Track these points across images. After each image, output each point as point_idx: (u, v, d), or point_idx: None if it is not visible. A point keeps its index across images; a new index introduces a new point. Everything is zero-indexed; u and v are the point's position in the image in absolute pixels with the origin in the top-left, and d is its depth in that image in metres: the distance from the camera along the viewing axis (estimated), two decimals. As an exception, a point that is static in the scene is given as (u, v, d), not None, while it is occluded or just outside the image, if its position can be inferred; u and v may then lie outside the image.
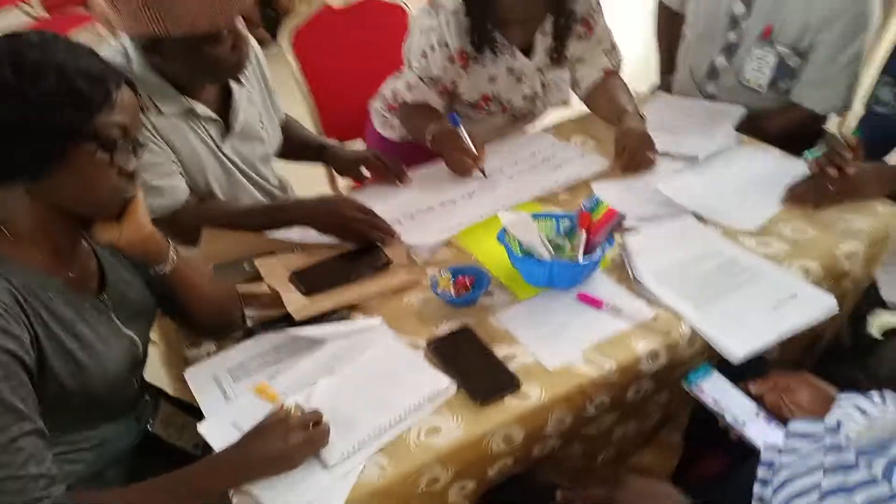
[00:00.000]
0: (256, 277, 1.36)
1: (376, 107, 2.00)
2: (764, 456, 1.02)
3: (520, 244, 1.31)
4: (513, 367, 1.13)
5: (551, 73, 1.81)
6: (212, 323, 1.20)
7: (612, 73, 1.86)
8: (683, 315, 1.20)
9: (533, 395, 1.08)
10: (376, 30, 2.31)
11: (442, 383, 1.10)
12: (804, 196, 1.43)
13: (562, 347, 1.16)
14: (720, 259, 1.32)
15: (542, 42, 1.73)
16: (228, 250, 1.41)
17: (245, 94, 1.51)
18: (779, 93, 1.87)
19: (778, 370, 1.15)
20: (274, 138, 1.64)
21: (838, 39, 1.73)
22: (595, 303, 1.24)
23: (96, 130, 0.91)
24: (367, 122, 2.09)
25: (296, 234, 1.46)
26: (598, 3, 1.76)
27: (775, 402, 1.10)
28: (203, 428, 1.06)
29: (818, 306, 1.19)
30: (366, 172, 1.72)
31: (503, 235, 1.32)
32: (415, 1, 2.35)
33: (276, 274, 1.36)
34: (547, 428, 1.11)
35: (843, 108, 1.82)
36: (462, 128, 1.64)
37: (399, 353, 1.18)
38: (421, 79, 1.75)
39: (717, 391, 1.12)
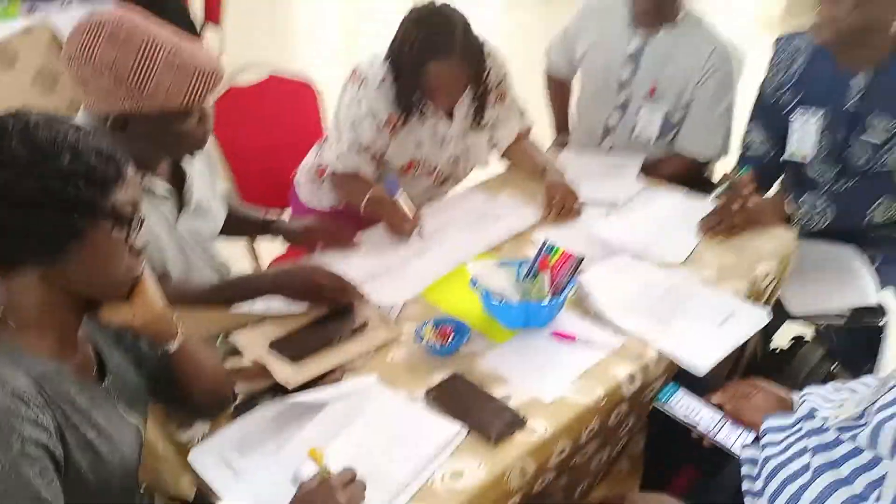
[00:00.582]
0: (232, 352, 1.34)
1: (301, 180, 2.05)
2: (745, 454, 1.16)
3: (487, 291, 1.40)
4: (512, 404, 1.20)
5: (472, 137, 1.96)
6: (208, 401, 1.17)
7: (524, 135, 2.04)
8: (647, 339, 1.34)
9: (539, 428, 1.16)
10: (284, 105, 2.38)
11: (452, 429, 1.15)
12: (715, 227, 1.65)
13: (552, 381, 1.25)
14: (662, 288, 1.48)
15: (464, 108, 1.88)
16: (198, 328, 1.38)
17: (197, 170, 1.51)
18: (665, 144, 2.14)
19: (728, 382, 1.31)
20: (221, 214, 1.63)
21: (712, 96, 2.03)
22: (569, 338, 1.35)
23: (113, 208, 0.90)
24: (292, 196, 2.12)
25: (260, 305, 1.46)
26: (508, 74, 1.95)
27: (735, 408, 1.25)
28: (226, 508, 1.03)
29: (753, 319, 1.39)
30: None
31: (475, 283, 1.42)
32: (323, 78, 2.46)
33: (255, 346, 1.35)
34: (551, 459, 1.18)
35: (722, 154, 2.12)
36: (401, 192, 1.73)
37: (400, 406, 1.22)
38: (351, 148, 1.83)
39: (685, 406, 1.27)
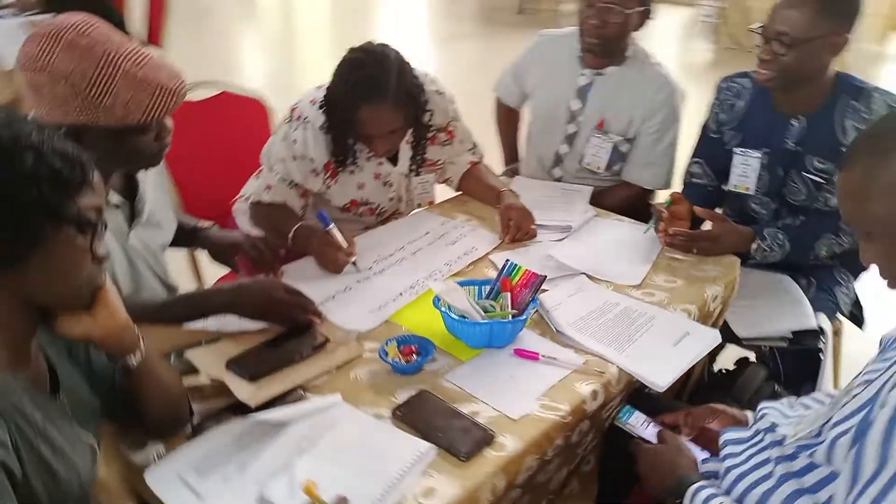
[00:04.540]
0: (187, 371, 1.29)
1: (238, 209, 2.00)
2: (704, 468, 1.19)
3: (450, 310, 1.41)
4: (480, 421, 1.20)
5: (418, 178, 1.96)
6: (166, 420, 1.11)
7: (476, 163, 2.07)
8: (607, 357, 1.37)
9: (508, 444, 1.16)
10: (234, 122, 2.34)
11: (421, 447, 1.13)
12: (680, 245, 1.73)
13: (518, 398, 1.26)
14: (618, 309, 1.52)
15: (407, 150, 1.88)
16: (151, 345, 1.32)
17: (150, 179, 1.46)
18: (613, 173, 2.22)
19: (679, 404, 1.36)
20: (172, 225, 1.58)
21: (658, 129, 2.13)
22: (532, 355, 1.37)
23: (77, 213, 0.86)
24: (233, 223, 2.07)
25: (213, 323, 1.41)
26: (456, 111, 1.97)
27: (690, 430, 1.29)
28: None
29: (706, 339, 1.44)
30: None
31: (438, 302, 1.41)
32: (274, 95, 2.44)
33: (212, 364, 1.30)
34: (519, 476, 1.18)
35: (667, 184, 2.21)
36: (333, 225, 1.69)
37: (367, 425, 1.20)
38: (282, 182, 1.81)
39: (639, 424, 1.30)
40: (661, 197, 2.22)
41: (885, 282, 1.01)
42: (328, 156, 1.80)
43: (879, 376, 0.93)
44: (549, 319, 1.46)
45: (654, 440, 1.26)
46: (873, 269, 1.03)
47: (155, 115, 1.20)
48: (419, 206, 2.05)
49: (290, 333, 1.40)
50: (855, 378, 1.07)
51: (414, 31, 7.51)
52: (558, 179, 2.28)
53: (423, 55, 5.98)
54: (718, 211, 1.98)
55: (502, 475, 1.13)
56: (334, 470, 1.09)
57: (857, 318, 2.01)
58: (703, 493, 1.07)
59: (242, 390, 1.23)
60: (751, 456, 1.11)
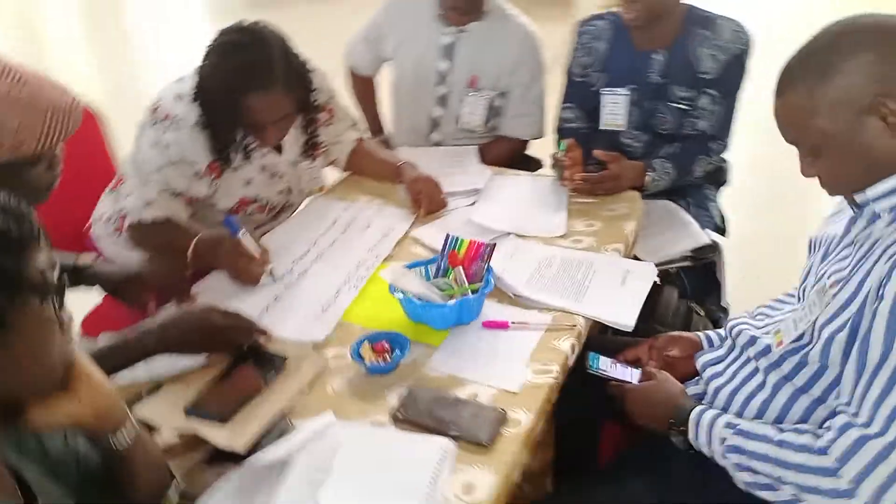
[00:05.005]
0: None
1: (99, 233, 1.74)
2: (692, 390, 1.27)
3: (410, 296, 1.34)
4: (483, 402, 1.17)
5: (304, 163, 1.83)
6: (154, 495, 0.94)
7: (362, 140, 1.98)
8: (570, 310, 1.39)
9: (520, 417, 1.14)
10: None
11: (441, 444, 1.08)
12: (584, 191, 1.79)
13: (508, 369, 1.24)
14: (557, 261, 1.55)
15: (290, 137, 1.74)
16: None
17: None
18: (489, 129, 2.23)
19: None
20: None
21: (527, 80, 2.17)
22: (502, 325, 1.35)
23: (36, 276, 0.68)
24: (91, 247, 1.79)
25: (142, 370, 1.22)
26: (332, 89, 1.86)
27: (657, 362, 1.35)
28: None
29: (646, 273, 1.52)
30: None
31: (394, 290, 1.34)
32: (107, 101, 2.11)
33: (170, 416, 1.12)
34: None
35: (541, 133, 2.27)
36: (243, 231, 1.53)
37: (374, 436, 1.11)
38: (163, 194, 1.60)
39: (608, 367, 1.34)
40: (547, 148, 2.28)
41: (826, 189, 1.11)
42: (209, 155, 1.61)
43: (850, 274, 1.03)
44: (503, 285, 1.45)
45: (634, 380, 1.30)
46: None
47: (51, 141, 0.98)
48: (309, 194, 1.91)
49: (238, 361, 1.25)
50: (805, 281, 1.19)
51: (184, 10, 6.83)
52: (437, 144, 2.25)
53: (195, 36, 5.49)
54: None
55: (525, 449, 1.12)
56: (362, 494, 1.00)
57: (721, 229, 2.24)
58: (708, 415, 1.13)
59: (221, 436, 1.08)
60: (736, 371, 1.19)
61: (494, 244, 1.41)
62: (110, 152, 2.03)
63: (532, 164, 2.34)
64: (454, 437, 1.09)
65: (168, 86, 1.64)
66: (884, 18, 1.00)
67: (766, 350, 1.14)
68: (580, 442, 1.54)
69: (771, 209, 3.21)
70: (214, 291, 1.49)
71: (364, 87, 2.45)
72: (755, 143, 2.66)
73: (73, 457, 0.87)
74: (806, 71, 1.03)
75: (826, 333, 1.03)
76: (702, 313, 1.85)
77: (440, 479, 1.03)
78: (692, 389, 1.27)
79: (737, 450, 1.07)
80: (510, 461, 1.07)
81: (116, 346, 1.22)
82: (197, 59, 1.57)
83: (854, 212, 1.10)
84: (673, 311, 1.79)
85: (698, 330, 1.72)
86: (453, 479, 1.03)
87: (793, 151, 1.09)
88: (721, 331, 1.35)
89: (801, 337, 1.08)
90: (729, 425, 1.10)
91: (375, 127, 2.48)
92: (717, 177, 2.15)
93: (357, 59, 2.37)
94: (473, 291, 1.36)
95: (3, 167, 0.97)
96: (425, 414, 1.14)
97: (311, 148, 1.78)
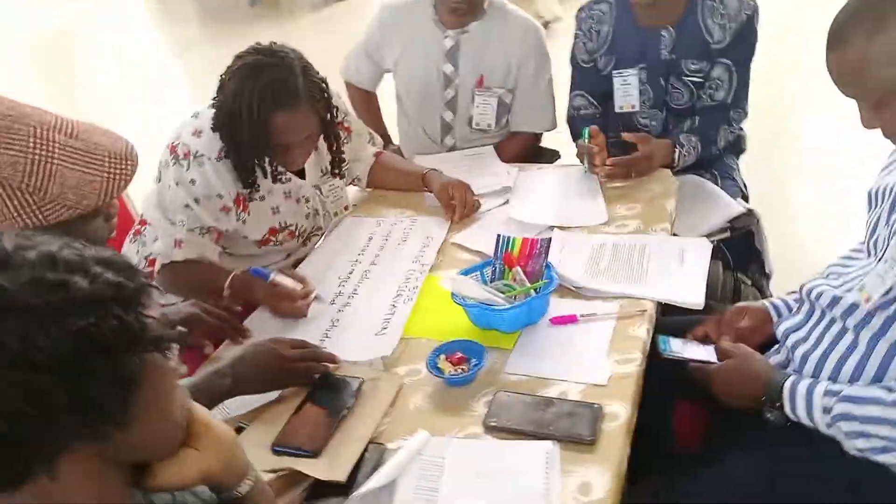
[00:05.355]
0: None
1: None
2: (773, 360, 1.25)
3: (476, 303, 1.31)
4: (574, 399, 1.14)
5: (326, 185, 1.80)
6: None
7: (381, 153, 1.95)
8: (636, 295, 1.37)
9: (616, 410, 1.12)
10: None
11: (543, 448, 1.05)
12: (618, 175, 1.77)
13: (590, 363, 1.21)
14: (609, 248, 1.53)
15: (313, 159, 1.71)
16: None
17: None
18: (501, 128, 2.21)
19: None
20: None
21: (534, 73, 2.14)
22: (570, 319, 1.32)
23: (154, 330, 0.65)
24: None
25: (218, 413, 1.18)
26: (346, 106, 1.83)
27: (729, 335, 1.32)
28: None
29: (702, 248, 1.50)
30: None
31: (458, 298, 1.31)
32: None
33: (258, 457, 1.08)
34: (626, 436, 1.15)
35: (553, 125, 2.25)
36: (274, 273, 1.51)
37: (474, 449, 1.08)
38: (193, 231, 1.56)
39: (682, 348, 1.31)
40: (557, 139, 2.27)
41: (892, 138, 1.10)
42: (237, 186, 1.58)
43: None
44: (562, 280, 1.42)
45: (712, 358, 1.27)
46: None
47: (113, 192, 0.94)
48: (335, 215, 1.87)
49: (317, 391, 1.22)
50: (875, 234, 1.17)
51: (139, 45, 6.67)
52: (451, 149, 2.22)
53: (155, 71, 5.47)
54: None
55: (627, 441, 1.09)
56: (479, 509, 0.97)
57: (746, 196, 2.24)
58: (803, 385, 1.11)
59: (319, 469, 1.04)
60: (822, 335, 1.17)
61: (550, 238, 1.38)
62: (125, 198, 1.99)
63: (549, 157, 2.32)
64: (556, 439, 1.06)
65: (184, 122, 1.60)
66: None
67: (853, 308, 1.12)
68: (655, 427, 1.51)
69: (784, 174, 3.21)
70: (266, 323, 1.45)
71: (366, 100, 2.42)
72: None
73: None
74: (861, 22, 1.02)
75: None
76: (749, 283, 1.84)
77: (553, 483, 1.00)
78: (773, 359, 1.25)
79: (845, 417, 1.04)
80: (618, 455, 1.04)
81: (191, 392, 1.18)
82: (162, 91, 1.53)
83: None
84: (721, 285, 1.77)
85: (748, 300, 1.72)
86: (565, 482, 1.00)
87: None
88: (792, 296, 1.33)
89: (889, 290, 1.07)
90: (829, 393, 1.07)
91: (384, 140, 2.45)
92: (737, 146, 2.14)
93: (355, 73, 2.34)
94: (535, 290, 1.33)
95: (65, 223, 0.92)
96: (519, 419, 1.11)
97: (336, 166, 1.74)
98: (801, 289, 1.26)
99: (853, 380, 1.10)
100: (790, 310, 1.32)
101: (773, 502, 1.11)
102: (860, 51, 1.01)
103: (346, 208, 1.89)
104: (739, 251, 1.88)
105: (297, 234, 1.75)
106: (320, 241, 1.79)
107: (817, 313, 1.20)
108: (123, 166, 0.94)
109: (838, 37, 1.05)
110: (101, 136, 0.95)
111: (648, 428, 1.48)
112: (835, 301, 1.16)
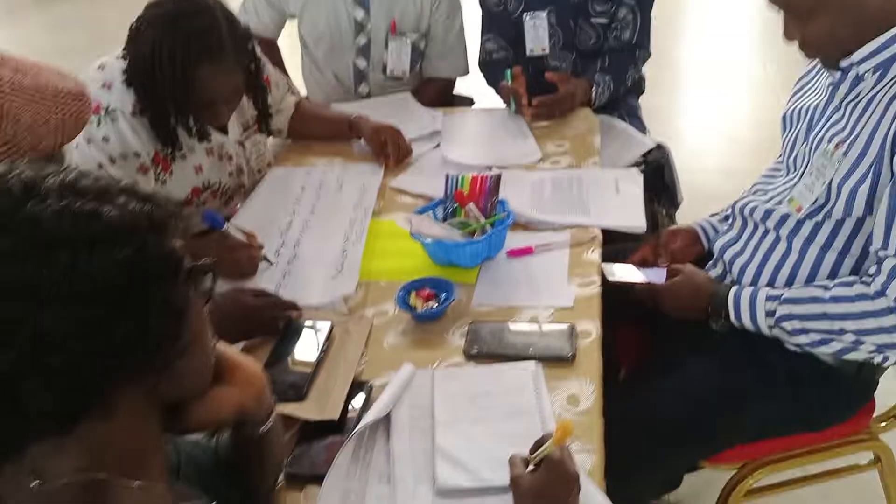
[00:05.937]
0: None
1: None
2: (714, 273, 1.35)
3: (436, 240, 1.32)
4: (547, 321, 1.19)
5: (249, 141, 1.71)
6: (272, 482, 0.88)
7: (300, 102, 1.88)
8: (583, 224, 1.43)
9: (588, 327, 1.17)
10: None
11: (527, 367, 1.09)
12: (543, 115, 1.82)
13: (555, 288, 1.27)
14: (549, 183, 1.58)
15: (235, 114, 1.60)
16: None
17: None
18: (415, 75, 2.19)
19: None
20: None
21: (446, 18, 2.13)
22: (527, 251, 1.36)
23: (184, 258, 0.61)
24: None
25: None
26: (262, 54, 1.73)
27: (665, 257, 1.41)
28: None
29: (633, 176, 1.59)
30: None
31: (418, 237, 1.31)
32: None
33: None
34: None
35: (466, 70, 2.26)
36: (229, 224, 1.43)
37: (459, 376, 1.10)
38: None
39: (627, 273, 1.39)
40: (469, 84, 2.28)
41: (809, 52, 1.19)
42: (155, 144, 1.46)
43: (853, 133, 1.14)
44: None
45: (659, 279, 1.35)
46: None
47: (70, 133, 0.84)
48: (258, 172, 1.79)
49: (283, 341, 1.18)
50: (793, 152, 1.29)
51: None
52: (367, 96, 2.18)
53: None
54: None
55: (600, 354, 1.15)
56: (477, 427, 0.99)
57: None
58: (745, 293, 1.21)
59: (311, 410, 1.02)
60: (757, 246, 1.28)
61: (500, 175, 1.41)
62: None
63: (463, 104, 2.34)
64: (537, 359, 1.10)
65: (88, 75, 1.45)
66: None
67: (785, 218, 1.23)
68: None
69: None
70: (218, 289, 1.37)
71: (269, 51, 2.29)
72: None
73: (208, 452, 0.80)
74: None
75: (847, 189, 1.13)
76: (663, 212, 1.97)
77: (543, 398, 1.04)
78: (711, 273, 1.35)
79: (788, 317, 1.15)
80: (595, 368, 1.10)
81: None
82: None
83: (833, 79, 1.20)
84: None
85: (665, 226, 1.85)
86: (553, 397, 1.05)
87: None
88: (715, 217, 1.45)
89: (816, 200, 1.19)
90: (771, 297, 1.18)
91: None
92: (639, 87, 2.26)
93: (256, 19, 2.21)
94: (491, 225, 1.36)
95: None
96: (499, 344, 1.14)
97: (264, 121, 1.66)
98: (732, 206, 1.37)
99: (788, 284, 1.22)
100: (716, 230, 1.44)
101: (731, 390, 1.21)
102: None
103: (268, 165, 1.81)
104: (651, 183, 2.00)
105: (219, 193, 1.66)
106: (249, 198, 1.71)
107: (750, 226, 1.32)
108: (80, 104, 0.85)
109: None
110: (49, 74, 0.84)
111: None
112: (767, 214, 1.27)
